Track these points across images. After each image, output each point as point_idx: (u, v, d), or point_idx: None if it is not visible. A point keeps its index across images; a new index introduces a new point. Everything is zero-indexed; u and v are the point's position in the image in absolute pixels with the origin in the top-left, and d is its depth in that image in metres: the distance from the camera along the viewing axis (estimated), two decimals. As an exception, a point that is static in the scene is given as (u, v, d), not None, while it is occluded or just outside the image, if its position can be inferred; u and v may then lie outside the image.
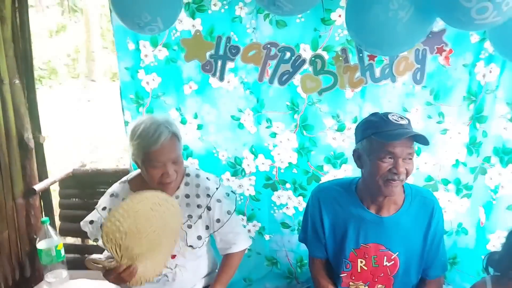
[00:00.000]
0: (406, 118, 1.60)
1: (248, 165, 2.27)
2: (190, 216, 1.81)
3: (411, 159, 1.57)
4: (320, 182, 2.21)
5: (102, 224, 1.51)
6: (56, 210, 2.81)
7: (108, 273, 1.52)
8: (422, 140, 1.55)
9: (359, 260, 1.76)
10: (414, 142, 1.58)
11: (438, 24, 1.95)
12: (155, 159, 1.64)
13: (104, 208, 1.82)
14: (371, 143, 1.59)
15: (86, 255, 2.76)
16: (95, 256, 1.59)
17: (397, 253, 1.73)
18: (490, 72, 1.98)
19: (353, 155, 1.72)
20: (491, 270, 1.62)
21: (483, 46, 1.96)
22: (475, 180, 2.12)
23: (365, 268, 1.77)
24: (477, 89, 2.02)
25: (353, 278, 1.80)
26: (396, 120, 1.57)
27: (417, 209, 1.71)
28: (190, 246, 1.81)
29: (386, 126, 1.56)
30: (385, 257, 1.74)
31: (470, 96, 2.03)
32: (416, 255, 1.74)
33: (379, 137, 1.55)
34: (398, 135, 1.52)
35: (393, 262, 1.74)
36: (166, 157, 1.65)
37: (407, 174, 1.59)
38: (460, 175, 2.13)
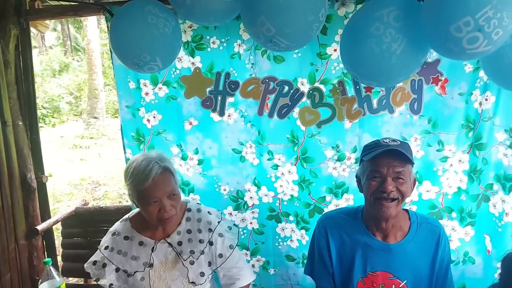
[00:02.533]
0: (401, 141, 1.64)
1: (251, 197, 2.27)
2: (192, 252, 1.79)
3: (403, 179, 1.59)
4: (323, 213, 2.20)
5: None
6: (59, 250, 2.79)
7: None
8: (404, 156, 1.58)
9: None
10: (410, 165, 1.62)
11: (432, 55, 1.99)
12: (149, 195, 1.64)
13: (106, 247, 1.81)
14: (363, 165, 1.67)
15: (88, 295, 2.74)
16: None
17: (405, 281, 1.71)
18: (486, 100, 2.01)
19: (356, 181, 1.76)
20: None
21: (478, 75, 1.99)
22: (478, 208, 2.12)
23: None
24: (474, 117, 2.04)
25: (362, 307, 1.77)
26: (386, 142, 1.62)
27: (424, 236, 1.71)
28: (192, 283, 1.79)
29: (375, 147, 1.63)
30: (393, 286, 1.72)
31: (468, 124, 2.05)
32: (424, 283, 1.72)
33: (366, 157, 1.63)
34: (379, 153, 1.58)
35: None
36: (161, 192, 1.65)
37: (403, 195, 1.60)
38: (462, 203, 2.13)
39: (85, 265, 1.83)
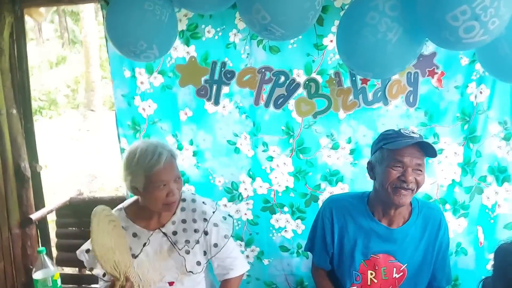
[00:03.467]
0: (419, 134, 1.68)
1: (246, 189, 2.27)
2: (187, 242, 1.79)
3: (421, 170, 1.63)
4: (318, 201, 2.22)
5: (92, 250, 1.54)
6: (53, 240, 2.78)
7: None
8: (430, 150, 1.63)
9: (369, 272, 1.77)
10: (425, 157, 1.65)
11: (428, 48, 1.99)
12: (159, 179, 1.65)
13: None
14: (382, 153, 1.67)
15: (83, 285, 2.73)
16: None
17: (406, 264, 1.75)
18: (481, 93, 2.01)
19: (367, 167, 1.78)
20: None
21: (474, 67, 2.00)
22: (472, 200, 2.13)
23: (375, 281, 1.78)
24: (470, 109, 2.05)
25: (363, 291, 1.80)
26: (407, 133, 1.66)
27: (425, 221, 1.76)
28: (190, 272, 1.79)
29: (397, 137, 1.65)
30: (395, 269, 1.75)
31: (464, 116, 2.06)
32: (424, 266, 1.77)
33: (389, 146, 1.64)
34: (405, 143, 1.60)
35: (401, 273, 1.76)
36: (170, 176, 1.67)
37: (418, 186, 1.64)
38: (456, 195, 2.14)
39: (77, 252, 1.83)
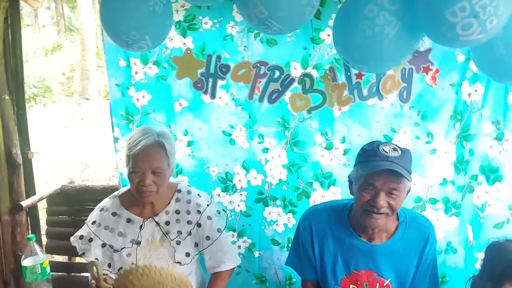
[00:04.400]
0: (402, 150, 1.57)
1: (240, 180, 2.26)
2: (179, 232, 1.81)
3: (396, 195, 1.54)
4: (310, 198, 2.22)
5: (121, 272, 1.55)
6: (43, 228, 2.77)
7: None
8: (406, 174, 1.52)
9: (351, 286, 1.73)
10: (407, 179, 1.54)
11: (425, 44, 1.98)
12: (135, 165, 1.67)
13: (94, 222, 1.82)
14: (357, 171, 1.60)
15: (72, 273, 2.73)
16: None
17: (389, 279, 1.70)
18: (475, 91, 2.01)
19: (348, 180, 1.71)
20: None
21: (468, 65, 1.99)
22: (463, 199, 2.14)
23: None
24: (463, 108, 2.05)
25: (347, 305, 1.76)
26: (385, 152, 1.53)
27: (412, 236, 1.69)
28: (178, 262, 1.80)
29: (373, 156, 1.55)
30: (378, 284, 1.71)
31: (457, 115, 2.06)
32: (409, 281, 1.72)
33: (361, 166, 1.57)
34: (375, 167, 1.51)
35: None
36: (145, 164, 1.67)
37: (393, 209, 1.56)
38: (448, 193, 2.15)
39: (71, 238, 1.85)
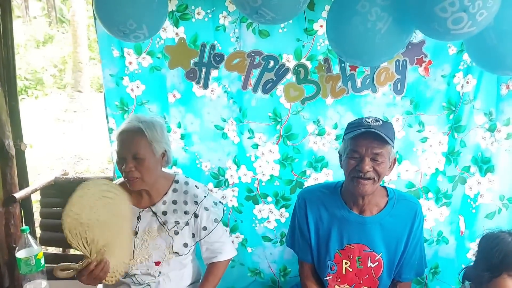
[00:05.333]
0: (383, 121, 1.67)
1: (232, 176, 2.27)
2: (177, 222, 1.81)
3: (380, 160, 1.63)
4: (303, 187, 2.22)
5: (62, 223, 1.50)
6: (37, 220, 2.77)
7: (81, 274, 1.52)
8: (383, 137, 1.60)
9: (344, 261, 1.80)
10: (390, 146, 1.65)
11: (418, 36, 1.99)
12: (118, 150, 1.72)
13: None
14: (344, 143, 1.72)
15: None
16: (61, 264, 1.56)
17: (381, 254, 1.77)
18: (468, 83, 2.03)
19: (339, 157, 1.79)
20: (467, 283, 1.66)
21: (462, 57, 2.01)
22: (454, 189, 2.16)
23: (350, 270, 1.80)
24: (456, 99, 2.07)
25: (339, 280, 1.83)
26: (368, 122, 1.65)
27: (400, 212, 1.77)
28: (176, 253, 1.81)
29: (357, 126, 1.66)
30: (369, 258, 1.78)
31: (450, 106, 2.08)
32: (399, 256, 1.79)
33: (347, 136, 1.68)
34: (359, 133, 1.61)
35: (377, 263, 1.78)
36: (125, 150, 1.70)
37: (379, 175, 1.65)
38: (439, 184, 2.17)
39: None
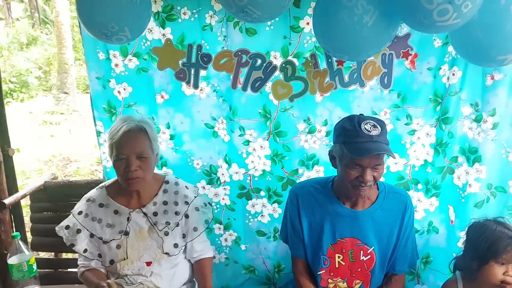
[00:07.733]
0: (380, 125, 1.63)
1: (223, 174, 2.27)
2: (167, 223, 1.82)
3: (380, 167, 1.64)
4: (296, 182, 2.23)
5: None
6: (28, 225, 2.74)
7: None
8: (389, 152, 1.61)
9: (336, 255, 1.81)
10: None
11: (403, 29, 2.01)
12: (119, 152, 1.68)
13: (80, 213, 1.82)
14: (342, 150, 1.65)
15: (59, 269, 2.71)
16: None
17: (373, 247, 1.79)
18: (453, 75, 2.05)
19: (328, 154, 1.79)
20: (458, 273, 1.69)
21: (447, 50, 2.02)
22: (443, 180, 2.18)
23: (343, 264, 1.82)
24: (442, 91, 2.09)
25: (332, 274, 1.84)
26: (368, 130, 1.58)
27: (391, 205, 1.79)
28: (166, 253, 1.81)
29: (356, 137, 1.59)
30: (362, 252, 1.79)
31: (436, 98, 2.10)
32: (391, 249, 1.81)
33: (348, 148, 1.60)
34: (364, 151, 1.56)
35: (369, 256, 1.80)
36: (129, 149, 1.68)
37: (375, 180, 1.66)
38: (428, 175, 2.19)
39: (57, 228, 1.83)
